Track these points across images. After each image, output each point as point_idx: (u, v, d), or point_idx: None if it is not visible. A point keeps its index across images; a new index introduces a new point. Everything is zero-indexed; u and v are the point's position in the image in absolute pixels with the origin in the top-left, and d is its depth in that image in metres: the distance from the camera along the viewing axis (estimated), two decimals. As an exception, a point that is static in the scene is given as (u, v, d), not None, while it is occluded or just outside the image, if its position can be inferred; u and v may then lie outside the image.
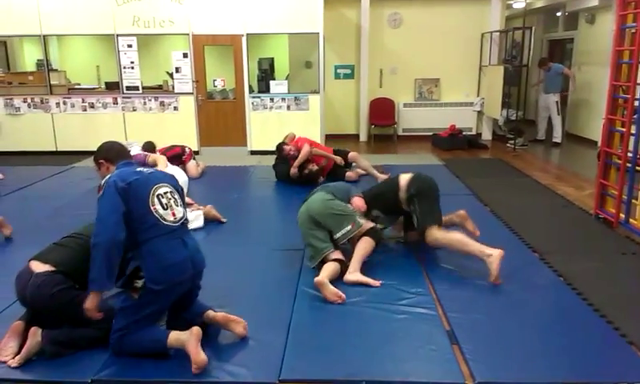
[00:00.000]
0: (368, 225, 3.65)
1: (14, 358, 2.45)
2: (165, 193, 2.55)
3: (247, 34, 7.76)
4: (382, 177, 5.85)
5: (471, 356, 2.57)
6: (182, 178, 5.08)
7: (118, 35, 7.81)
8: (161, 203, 2.49)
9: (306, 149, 5.96)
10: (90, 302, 2.39)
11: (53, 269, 2.59)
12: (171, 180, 2.71)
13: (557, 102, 8.74)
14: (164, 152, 6.10)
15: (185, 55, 7.90)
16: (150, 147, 6.08)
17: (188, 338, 2.42)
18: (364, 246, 3.55)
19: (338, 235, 3.57)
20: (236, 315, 2.74)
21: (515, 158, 7.74)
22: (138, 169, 2.62)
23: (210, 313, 2.70)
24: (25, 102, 8.15)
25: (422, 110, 9.55)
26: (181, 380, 2.37)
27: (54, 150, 8.23)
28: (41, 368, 2.47)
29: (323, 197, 3.73)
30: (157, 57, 8.91)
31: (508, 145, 8.64)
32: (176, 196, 2.62)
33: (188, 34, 7.80)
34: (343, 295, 3.14)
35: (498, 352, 2.62)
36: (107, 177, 2.52)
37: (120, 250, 2.36)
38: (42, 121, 8.17)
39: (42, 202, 5.46)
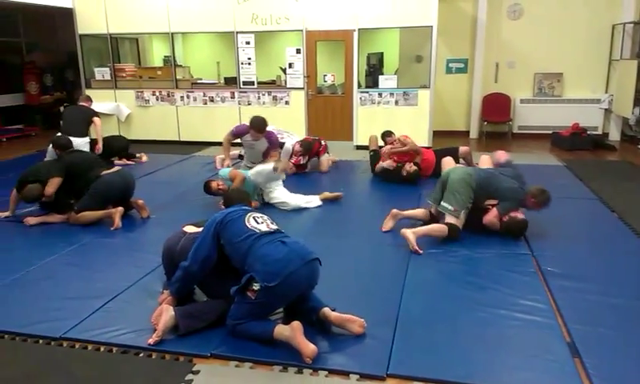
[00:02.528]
0: (459, 222, 4.04)
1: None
2: (259, 216, 2.85)
3: (359, 29, 7.79)
4: None
5: (594, 371, 2.38)
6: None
7: (237, 32, 8.23)
8: (256, 221, 2.78)
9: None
10: (162, 297, 2.92)
11: None
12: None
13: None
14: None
15: (298, 51, 8.12)
16: (308, 147, 6.47)
17: (291, 334, 2.50)
18: (438, 228, 4.05)
19: (442, 204, 4.12)
20: (344, 308, 2.76)
21: (648, 161, 7.01)
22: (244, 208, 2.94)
23: (326, 311, 2.70)
24: (153, 94, 8.88)
25: (541, 107, 8.95)
26: (293, 363, 2.45)
27: (177, 139, 8.88)
28: (163, 340, 2.68)
29: (465, 174, 4.22)
30: (270, 53, 9.24)
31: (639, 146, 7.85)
32: (271, 219, 2.91)
33: (302, 30, 8.00)
34: (418, 250, 3.79)
35: (625, 370, 2.40)
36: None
37: (195, 275, 2.78)
38: (168, 113, 8.86)
39: (167, 187, 5.94)
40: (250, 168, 5.37)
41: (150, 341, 2.61)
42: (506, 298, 3.10)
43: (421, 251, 3.80)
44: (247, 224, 2.73)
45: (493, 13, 8.77)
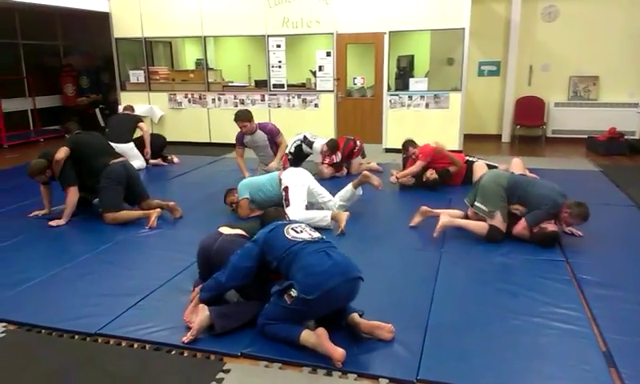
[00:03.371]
0: (501, 225, 4.01)
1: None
2: (298, 226, 2.87)
3: (390, 32, 7.76)
4: None
5: (631, 382, 2.32)
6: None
7: (268, 36, 8.30)
8: (295, 231, 2.79)
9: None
10: (193, 294, 2.94)
11: (243, 233, 3.06)
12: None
13: None
14: (342, 148, 6.39)
15: (328, 54, 8.14)
16: (334, 145, 6.35)
17: (317, 341, 2.49)
18: (477, 225, 4.06)
19: (475, 204, 4.14)
20: (373, 313, 2.75)
21: (690, 167, 6.76)
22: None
23: (355, 317, 2.68)
24: (185, 97, 9.03)
25: (576, 110, 8.73)
26: (322, 365, 2.45)
27: (209, 141, 9.00)
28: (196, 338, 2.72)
29: (496, 175, 4.25)
30: (300, 56, 9.29)
31: (681, 152, 7.57)
32: (310, 227, 2.94)
33: (332, 34, 8.02)
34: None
35: (666, 383, 2.32)
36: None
37: (225, 291, 2.87)
38: (200, 115, 9.00)
39: (198, 188, 6.03)
40: (266, 171, 5.41)
41: (185, 339, 2.64)
42: (540, 305, 3.04)
43: (435, 235, 4.05)
44: (287, 236, 2.73)
45: (527, 14, 8.62)
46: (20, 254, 3.98)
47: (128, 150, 6.87)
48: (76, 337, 2.78)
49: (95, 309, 3.03)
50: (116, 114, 7.99)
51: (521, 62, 8.82)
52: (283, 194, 4.61)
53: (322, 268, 2.55)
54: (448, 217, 4.15)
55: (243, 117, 5.73)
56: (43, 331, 2.84)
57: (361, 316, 2.71)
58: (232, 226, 3.20)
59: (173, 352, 2.62)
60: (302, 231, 2.79)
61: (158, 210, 4.68)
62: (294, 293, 2.53)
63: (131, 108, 7.86)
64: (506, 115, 9.03)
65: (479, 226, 4.07)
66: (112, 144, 6.52)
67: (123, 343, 2.71)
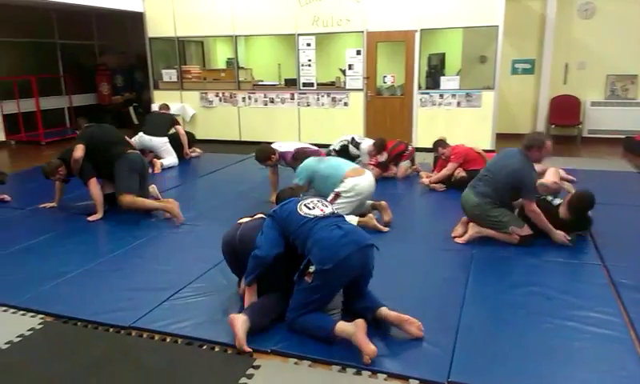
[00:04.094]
0: (525, 231, 3.91)
1: None
2: (310, 202, 2.93)
3: (421, 30, 7.69)
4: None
5: (670, 390, 2.24)
6: None
7: (298, 35, 8.33)
8: (307, 207, 2.86)
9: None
10: (242, 288, 2.95)
11: (263, 216, 3.08)
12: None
13: None
14: (390, 149, 6.22)
15: (358, 52, 8.11)
16: (381, 144, 6.15)
17: (354, 331, 2.49)
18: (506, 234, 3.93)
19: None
20: (404, 312, 2.72)
21: None
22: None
23: (383, 310, 2.71)
24: (217, 96, 9.15)
25: (613, 110, 8.48)
26: (352, 364, 2.45)
27: (238, 139, 9.10)
28: (225, 334, 2.74)
29: (476, 201, 4.03)
30: (330, 54, 9.29)
31: None
32: (323, 201, 2.99)
33: (363, 32, 7.99)
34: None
35: None
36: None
37: (268, 263, 2.79)
38: (230, 113, 9.10)
39: (228, 185, 6.10)
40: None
41: (244, 348, 2.58)
42: (575, 309, 2.96)
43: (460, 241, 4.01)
44: (300, 212, 2.82)
45: (563, 11, 8.41)
46: (57, 248, 4.10)
47: (162, 144, 7.04)
48: (110, 330, 2.84)
49: (129, 303, 3.09)
50: (153, 112, 8.20)
51: (556, 60, 8.62)
52: (332, 195, 4.37)
53: (335, 240, 2.64)
54: (477, 227, 4.02)
55: (262, 157, 5.18)
56: (79, 323, 2.92)
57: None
58: (251, 216, 3.22)
59: (204, 347, 2.66)
60: (314, 207, 2.87)
61: (176, 203, 4.76)
62: (312, 269, 2.61)
63: (167, 107, 8.04)
64: (540, 114, 8.84)
65: (508, 235, 3.95)
66: (147, 137, 6.77)
67: (156, 337, 2.77)
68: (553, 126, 8.67)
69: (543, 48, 8.57)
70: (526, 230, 3.92)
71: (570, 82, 8.72)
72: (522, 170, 3.87)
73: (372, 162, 6.16)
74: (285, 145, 5.36)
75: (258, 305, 2.83)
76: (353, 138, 6.42)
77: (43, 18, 10.21)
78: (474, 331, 2.74)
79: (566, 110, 8.67)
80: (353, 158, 6.36)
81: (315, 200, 2.97)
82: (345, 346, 2.55)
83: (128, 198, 4.64)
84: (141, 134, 7.05)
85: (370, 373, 2.40)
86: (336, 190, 4.37)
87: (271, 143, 5.44)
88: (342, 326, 2.54)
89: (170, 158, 7.08)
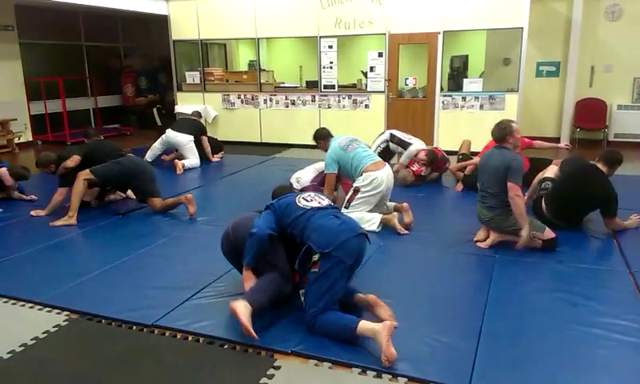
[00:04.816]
0: (547, 234, 3.85)
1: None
2: (308, 195, 3.07)
3: (444, 32, 7.63)
4: None
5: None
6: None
7: (320, 37, 8.35)
8: (305, 200, 3.01)
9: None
10: (244, 275, 2.98)
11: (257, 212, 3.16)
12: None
13: None
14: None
15: (380, 54, 8.10)
16: (434, 159, 5.98)
17: (380, 330, 2.47)
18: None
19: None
20: (424, 316, 2.74)
21: None
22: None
23: (360, 295, 2.86)
24: (238, 98, 9.22)
25: (640, 114, 8.32)
26: (373, 367, 2.44)
27: (259, 141, 9.15)
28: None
29: (489, 216, 3.98)
30: (351, 56, 9.29)
31: None
32: (320, 195, 3.12)
33: (385, 34, 7.96)
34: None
35: None
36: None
37: (263, 240, 2.88)
38: (251, 115, 9.16)
39: (249, 187, 6.15)
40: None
41: (252, 335, 2.63)
42: (600, 316, 2.90)
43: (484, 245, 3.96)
44: (299, 204, 2.96)
45: (589, 13, 8.27)
46: (82, 247, 4.19)
47: (187, 142, 7.19)
48: (134, 327, 2.88)
49: (152, 301, 3.13)
50: (184, 115, 8.35)
51: (582, 63, 8.47)
52: (350, 192, 4.44)
53: (333, 227, 2.80)
54: (496, 236, 3.96)
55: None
56: (103, 321, 2.97)
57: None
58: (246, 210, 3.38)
59: (225, 346, 2.68)
60: (312, 200, 3.01)
61: (189, 195, 4.93)
62: (315, 257, 2.72)
63: (199, 115, 8.17)
64: (565, 117, 8.70)
65: (530, 240, 3.84)
66: (173, 133, 7.09)
67: (178, 335, 2.80)
68: (578, 130, 8.51)
69: (569, 50, 8.43)
70: (548, 234, 3.85)
71: (595, 84, 8.57)
72: (506, 159, 3.76)
73: (414, 169, 5.98)
74: (304, 177, 5.37)
75: (257, 285, 2.87)
76: (392, 135, 6.26)
77: (70, 20, 10.43)
78: (496, 336, 2.70)
79: (591, 113, 8.52)
80: (391, 156, 6.28)
81: (312, 194, 3.11)
82: (367, 349, 2.55)
83: (159, 203, 4.95)
84: (168, 130, 7.24)
85: (390, 376, 2.39)
86: (355, 185, 4.43)
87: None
88: (367, 325, 2.55)
89: (192, 159, 7.16)
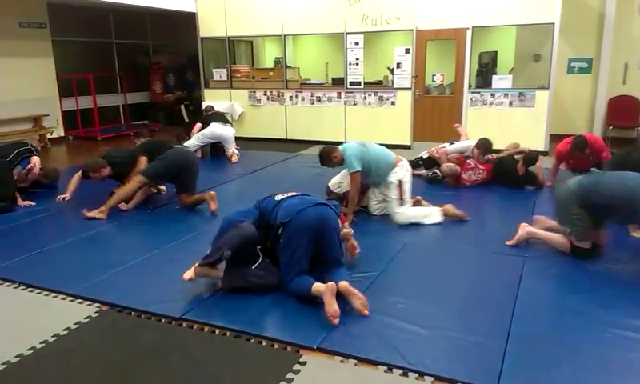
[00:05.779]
0: (584, 244, 3.61)
1: None
2: (286, 191, 3.43)
3: (473, 27, 7.53)
4: None
5: None
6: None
7: (347, 33, 8.32)
8: (281, 194, 3.38)
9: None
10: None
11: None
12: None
13: None
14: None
15: (407, 51, 8.03)
16: (487, 146, 5.76)
17: (324, 291, 2.83)
18: (559, 241, 3.70)
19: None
20: (452, 315, 2.71)
21: None
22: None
23: (341, 284, 2.93)
24: (265, 94, 9.27)
25: (677, 111, 8.06)
26: (399, 365, 2.43)
27: (285, 138, 9.18)
28: (273, 328, 2.80)
29: (567, 189, 3.70)
30: (377, 53, 9.23)
31: None
32: (296, 193, 3.42)
33: (412, 30, 7.89)
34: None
35: None
36: None
37: (231, 225, 3.25)
38: (277, 112, 9.20)
39: (273, 184, 6.12)
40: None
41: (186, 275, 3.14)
42: (634, 318, 2.83)
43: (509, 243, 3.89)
44: (275, 199, 3.35)
45: (622, 8, 8.05)
46: (114, 240, 4.28)
47: (231, 134, 7.70)
48: (162, 320, 2.93)
49: (180, 294, 3.17)
50: (217, 112, 8.48)
51: (615, 60, 8.26)
52: (396, 190, 4.41)
53: (292, 202, 3.25)
54: (527, 228, 3.88)
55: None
56: (133, 313, 3.02)
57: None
58: None
59: (251, 340, 2.70)
60: (286, 194, 3.38)
61: (213, 193, 4.98)
62: (279, 230, 3.14)
63: (212, 109, 8.47)
64: (597, 115, 8.49)
65: (561, 243, 3.71)
66: (221, 125, 7.56)
67: (205, 329, 2.83)
68: (610, 128, 8.30)
69: (601, 46, 8.22)
70: (585, 244, 3.62)
71: (629, 82, 8.34)
72: None
73: (465, 177, 5.75)
74: (345, 182, 4.88)
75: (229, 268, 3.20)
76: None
77: (101, 18, 10.63)
78: (525, 337, 2.66)
79: (624, 110, 8.30)
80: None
81: (289, 193, 3.41)
82: (391, 347, 2.55)
83: (188, 199, 5.01)
84: (215, 124, 7.57)
85: (417, 374, 2.37)
86: (397, 178, 4.44)
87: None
88: (317, 287, 2.91)
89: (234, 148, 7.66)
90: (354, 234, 3.62)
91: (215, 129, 7.56)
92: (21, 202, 5.16)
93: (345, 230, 3.49)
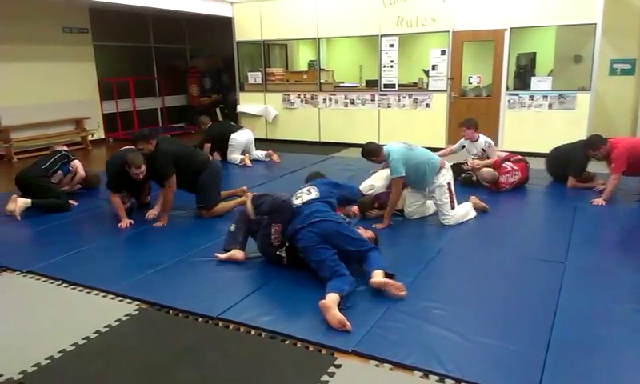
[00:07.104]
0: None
1: None
2: (300, 192, 3.62)
3: (511, 29, 7.38)
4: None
5: None
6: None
7: (382, 36, 8.29)
8: (296, 197, 3.56)
9: None
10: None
11: None
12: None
13: None
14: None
15: (443, 52, 7.94)
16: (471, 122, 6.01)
17: (321, 310, 2.85)
18: None
19: None
20: (490, 323, 2.68)
21: None
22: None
23: (375, 274, 3.12)
24: (298, 97, 9.32)
25: None
26: (435, 371, 2.39)
27: (318, 140, 9.21)
28: (309, 331, 2.80)
29: None
30: (412, 55, 9.16)
31: None
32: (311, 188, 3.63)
33: (448, 31, 7.80)
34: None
35: None
36: None
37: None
38: (311, 114, 9.23)
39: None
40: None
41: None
42: (683, 329, 2.71)
43: None
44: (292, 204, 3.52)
45: (670, 6, 7.75)
46: (153, 240, 4.37)
47: (252, 139, 7.77)
48: (199, 319, 2.98)
49: (216, 294, 3.22)
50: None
51: (660, 60, 7.95)
52: (447, 194, 4.42)
53: (297, 219, 3.41)
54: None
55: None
56: (171, 312, 3.08)
57: (392, 276, 3.16)
58: None
59: (286, 342, 2.71)
60: (298, 198, 3.56)
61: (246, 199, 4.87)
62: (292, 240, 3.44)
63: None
64: (640, 118, 8.20)
65: None
66: (239, 133, 7.65)
67: (241, 329, 2.86)
68: (655, 131, 8.00)
69: (646, 47, 7.94)
70: None
71: (676, 83, 8.02)
72: None
73: (503, 181, 5.60)
74: (377, 184, 4.89)
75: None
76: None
77: (140, 23, 10.91)
78: (565, 346, 2.58)
79: (671, 113, 7.97)
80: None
81: (304, 189, 3.61)
82: (428, 352, 2.51)
83: (207, 213, 4.89)
84: (234, 134, 7.58)
85: (454, 381, 2.33)
86: (447, 181, 4.45)
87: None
88: (321, 304, 2.86)
89: (256, 152, 7.71)
90: (377, 239, 3.82)
91: (239, 138, 7.57)
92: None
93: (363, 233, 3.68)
